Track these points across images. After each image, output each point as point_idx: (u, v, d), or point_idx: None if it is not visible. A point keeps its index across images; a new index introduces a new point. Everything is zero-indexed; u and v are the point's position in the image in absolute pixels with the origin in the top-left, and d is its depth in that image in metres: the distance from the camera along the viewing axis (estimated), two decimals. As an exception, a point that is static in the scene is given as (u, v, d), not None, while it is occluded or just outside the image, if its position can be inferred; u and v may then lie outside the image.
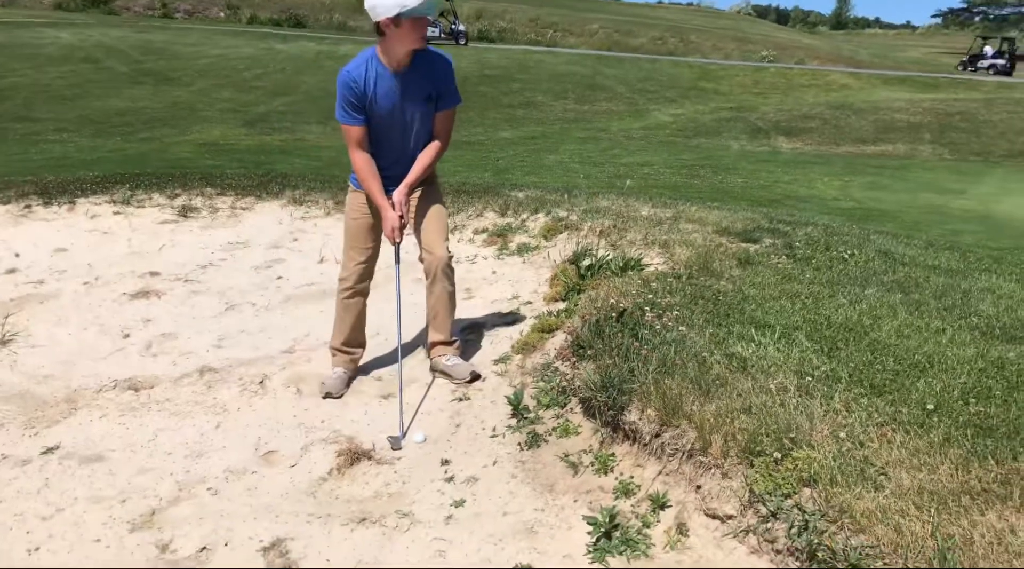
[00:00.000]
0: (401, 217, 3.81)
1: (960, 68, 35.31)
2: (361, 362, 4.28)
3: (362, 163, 3.75)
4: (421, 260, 4.06)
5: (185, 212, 7.08)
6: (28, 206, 7.07)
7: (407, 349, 4.45)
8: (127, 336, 4.89)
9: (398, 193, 3.80)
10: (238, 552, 2.90)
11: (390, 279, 5.41)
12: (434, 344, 4.12)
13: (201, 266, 6.02)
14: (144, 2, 38.51)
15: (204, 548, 2.94)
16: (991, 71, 34.13)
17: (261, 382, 4.19)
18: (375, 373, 4.23)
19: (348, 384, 4.11)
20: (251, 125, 15.98)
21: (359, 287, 4.14)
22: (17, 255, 6.18)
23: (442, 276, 3.98)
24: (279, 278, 5.77)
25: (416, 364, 4.26)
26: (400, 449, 3.48)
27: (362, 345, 4.25)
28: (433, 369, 4.11)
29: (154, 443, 3.69)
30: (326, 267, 5.81)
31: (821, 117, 19.00)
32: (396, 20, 3.46)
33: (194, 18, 37.71)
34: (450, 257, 4.05)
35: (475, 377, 4.00)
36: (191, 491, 3.30)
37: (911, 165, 14.04)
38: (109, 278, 5.79)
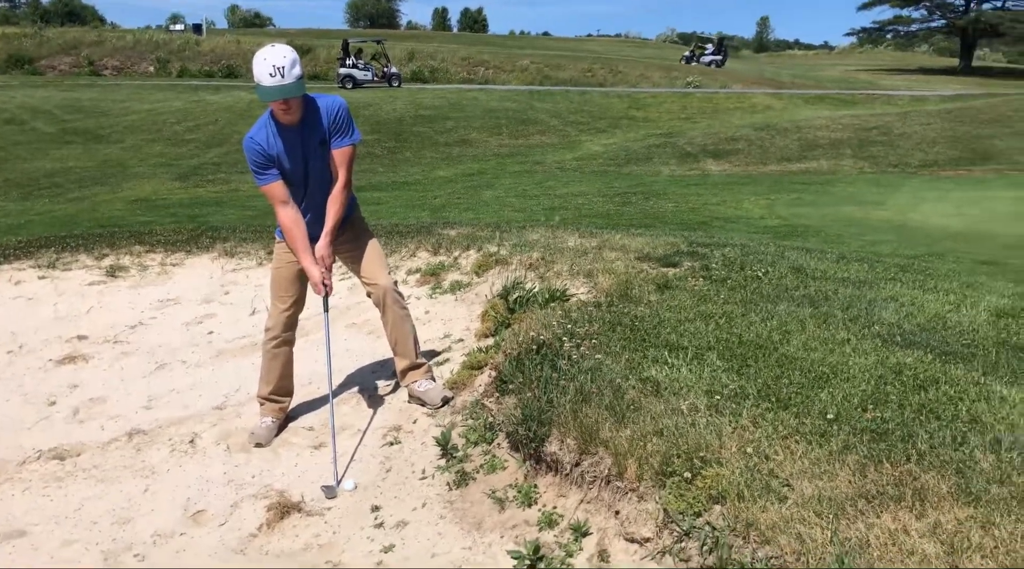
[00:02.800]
0: (325, 273, 3.87)
1: (683, 62, 43.14)
2: (291, 411, 4.28)
3: (288, 221, 3.82)
4: (369, 295, 4.12)
5: (113, 272, 6.99)
6: (-52, 277, 6.91)
7: (339, 395, 4.45)
8: (53, 403, 4.80)
9: (320, 248, 3.87)
10: (165, 617, 2.87)
11: (320, 326, 5.43)
12: (404, 371, 4.18)
13: (130, 326, 5.95)
14: (69, 61, 37.96)
15: (129, 616, 2.90)
16: (712, 65, 42.47)
17: (191, 441, 4.15)
18: (306, 422, 4.23)
19: (277, 433, 4.11)
20: (184, 178, 15.83)
21: (285, 335, 4.16)
22: (-64, 328, 6.03)
23: (392, 303, 4.07)
24: (210, 333, 5.73)
25: (348, 411, 4.27)
26: (335, 497, 3.48)
27: (290, 394, 4.25)
28: (410, 396, 4.18)
29: (79, 513, 3.63)
30: (257, 319, 5.79)
31: (747, 138, 19.56)
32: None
33: (122, 74, 37.29)
34: (395, 282, 4.13)
35: (446, 401, 4.08)
36: (118, 559, 3.25)
37: (834, 180, 14.53)
38: (34, 345, 5.68)
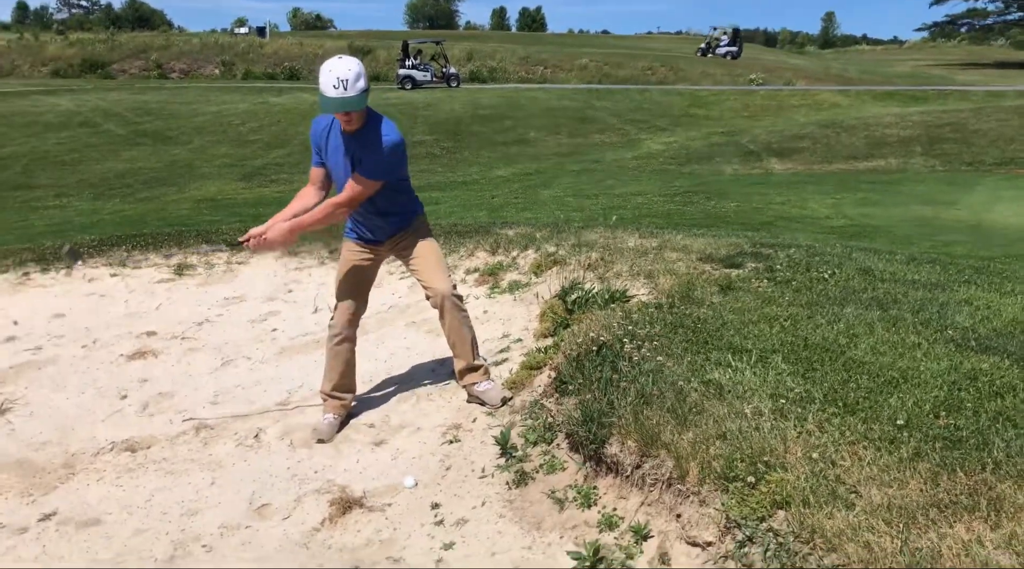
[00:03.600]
0: (261, 237, 3.98)
1: (699, 54, 43.04)
2: (353, 409, 4.34)
3: (301, 190, 4.04)
4: (428, 298, 4.19)
5: (181, 270, 7.19)
6: (26, 273, 7.19)
7: (398, 394, 4.50)
8: (124, 397, 4.96)
9: (278, 229, 3.96)
10: (231, 607, 2.94)
11: (381, 324, 5.51)
12: (462, 373, 4.23)
13: (197, 323, 6.11)
14: (139, 64, 39.20)
15: (198, 605, 2.97)
16: (727, 56, 42.37)
17: (256, 436, 4.25)
18: (367, 419, 4.28)
19: (339, 429, 4.17)
20: (248, 178, 16.22)
21: (347, 333, 4.23)
22: (15, 323, 6.28)
23: (451, 308, 4.11)
24: (274, 330, 5.85)
25: (408, 408, 4.31)
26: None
27: (352, 391, 4.32)
28: (469, 395, 4.23)
29: (150, 503, 3.74)
30: (320, 317, 5.88)
31: (812, 136, 19.15)
32: None
33: (189, 77, 38.35)
34: (454, 287, 4.18)
35: (505, 401, 4.10)
36: (186, 549, 3.34)
37: (903, 179, 14.12)
38: (106, 340, 5.88)
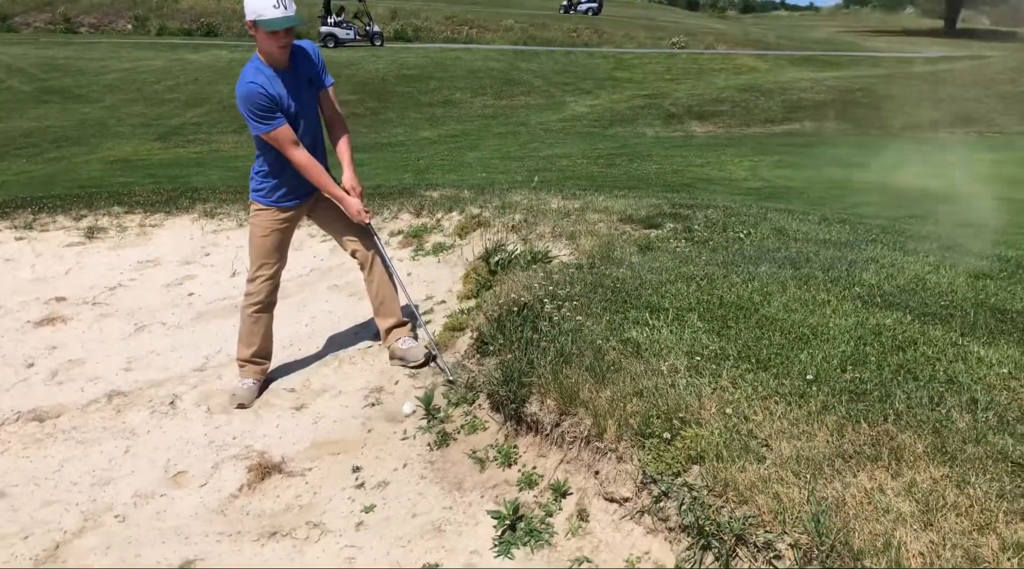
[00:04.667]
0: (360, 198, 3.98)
1: (561, 11, 43.40)
2: (271, 374, 4.26)
3: (305, 160, 3.80)
4: (354, 256, 4.13)
5: (92, 233, 6.89)
6: (-78, 238, 6.80)
7: (320, 358, 4.44)
8: (31, 366, 4.76)
9: (349, 179, 3.95)
10: (146, 577, 2.87)
11: (302, 288, 5.40)
12: (388, 330, 4.18)
13: (110, 288, 5.88)
14: (45, 17, 37.06)
15: (110, 576, 2.90)
16: (588, 12, 42.80)
17: (171, 403, 4.14)
18: (287, 384, 4.21)
19: (258, 394, 4.10)
20: (164, 138, 15.61)
21: (268, 300, 4.14)
22: (-89, 290, 5.94)
23: (377, 261, 4.07)
24: (190, 295, 5.68)
25: (329, 372, 4.26)
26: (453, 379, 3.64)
27: (270, 356, 4.24)
28: (391, 356, 4.17)
29: (59, 474, 3.62)
30: (238, 280, 5.73)
31: (732, 100, 19.46)
32: (254, 25, 3.59)
33: (99, 32, 36.47)
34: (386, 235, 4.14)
35: (428, 359, 4.07)
36: (97, 520, 3.25)
37: (817, 142, 14.52)
38: (12, 307, 5.61)
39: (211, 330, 5.06)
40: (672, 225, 5.23)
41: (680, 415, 2.73)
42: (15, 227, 7.04)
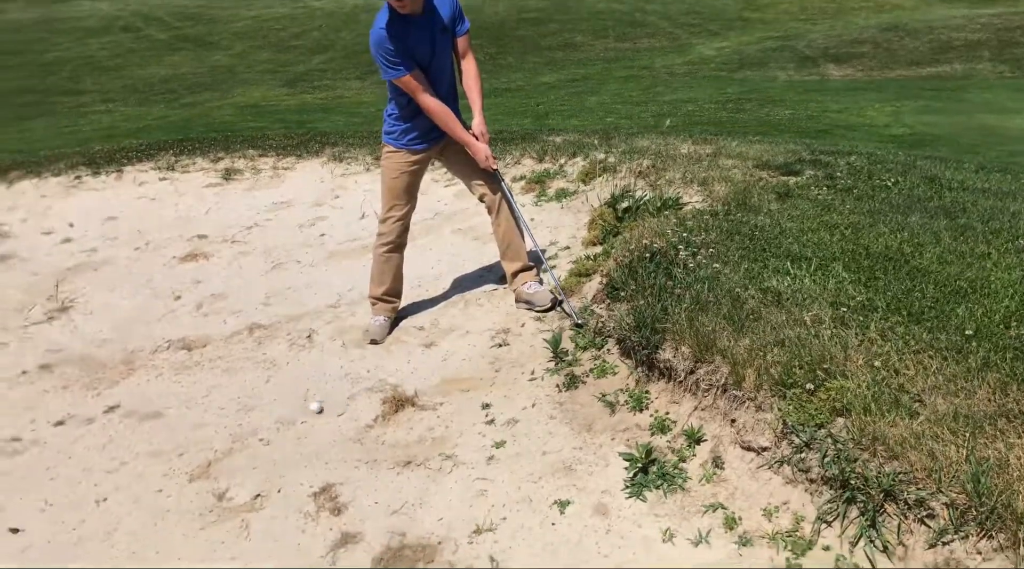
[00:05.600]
0: (488, 144, 3.99)
1: None
2: (401, 312, 4.37)
3: (435, 106, 3.83)
4: (482, 200, 4.13)
5: (229, 175, 7.20)
6: (78, 177, 7.28)
7: (448, 298, 4.51)
8: (178, 298, 5.05)
9: (479, 125, 3.95)
10: (291, 498, 3.03)
11: (428, 231, 5.48)
12: (514, 273, 4.20)
13: (247, 227, 6.15)
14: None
15: (258, 495, 3.07)
16: None
17: (308, 336, 4.31)
18: (416, 322, 4.30)
19: (389, 331, 4.21)
20: (291, 84, 16.05)
21: (398, 241, 4.23)
22: (71, 225, 6.39)
23: (504, 205, 4.07)
24: (322, 235, 5.87)
25: (457, 313, 4.32)
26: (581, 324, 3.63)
27: (400, 295, 4.34)
28: (517, 300, 4.19)
29: (208, 399, 3.85)
30: (367, 223, 5.88)
31: (872, 41, 18.23)
32: None
33: (230, -20, 37.63)
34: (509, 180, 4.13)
35: (554, 303, 4.07)
36: (244, 442, 3.44)
37: (968, 86, 13.45)
38: (159, 243, 5.96)
39: (343, 269, 5.22)
40: (812, 172, 4.98)
41: (824, 366, 2.62)
42: (159, 168, 7.45)
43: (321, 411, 3.63)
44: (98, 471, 3.36)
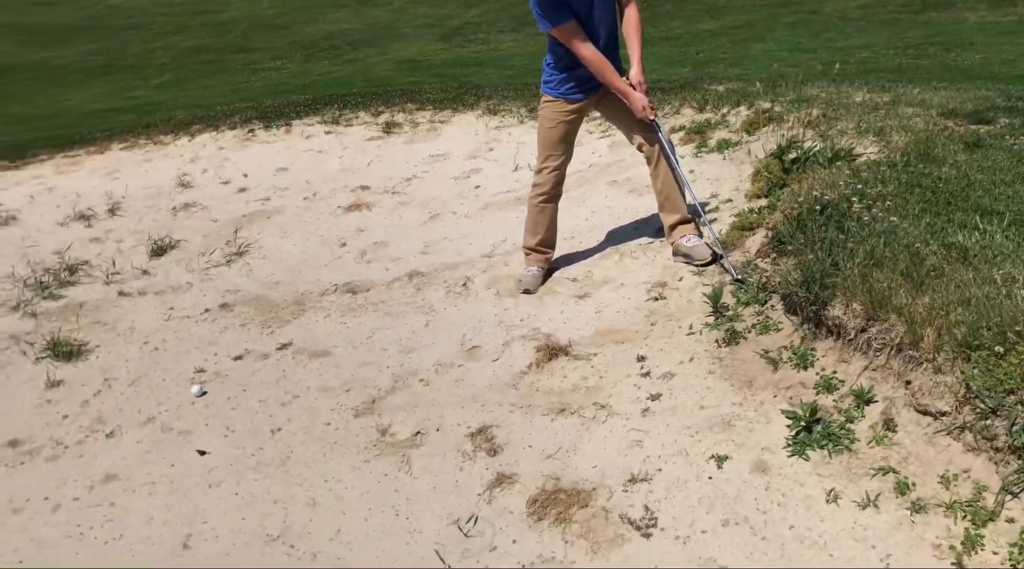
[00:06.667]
0: (646, 94, 3.89)
1: None
2: (554, 263, 4.38)
3: (592, 55, 3.77)
4: (640, 150, 4.05)
5: (389, 128, 7.43)
6: (252, 130, 7.74)
7: (601, 251, 4.48)
8: (344, 245, 5.29)
9: (636, 75, 3.86)
10: (449, 436, 3.14)
11: (581, 183, 5.45)
12: (672, 226, 4.11)
13: (406, 179, 6.34)
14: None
15: (419, 432, 3.20)
16: None
17: (464, 284, 4.41)
18: (569, 274, 4.30)
19: (543, 282, 4.24)
20: (446, 39, 16.28)
21: (554, 192, 4.22)
22: (245, 175, 6.81)
23: (663, 156, 3.97)
24: (477, 187, 5.96)
25: (611, 265, 4.28)
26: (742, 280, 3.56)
27: (553, 246, 4.35)
28: (675, 253, 4.11)
29: (371, 340, 4.03)
30: (520, 174, 5.91)
31: (1081, -25, 16.28)
32: None
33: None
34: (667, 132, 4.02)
35: (714, 258, 3.96)
36: (405, 382, 3.58)
37: None
38: (325, 193, 6.25)
39: (496, 220, 5.28)
40: (1007, 120, 4.54)
41: (1016, 328, 2.40)
42: (324, 122, 7.79)
43: (203, 394, 3.78)
44: (273, 403, 3.61)
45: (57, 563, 2.81)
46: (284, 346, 4.09)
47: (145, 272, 5.12)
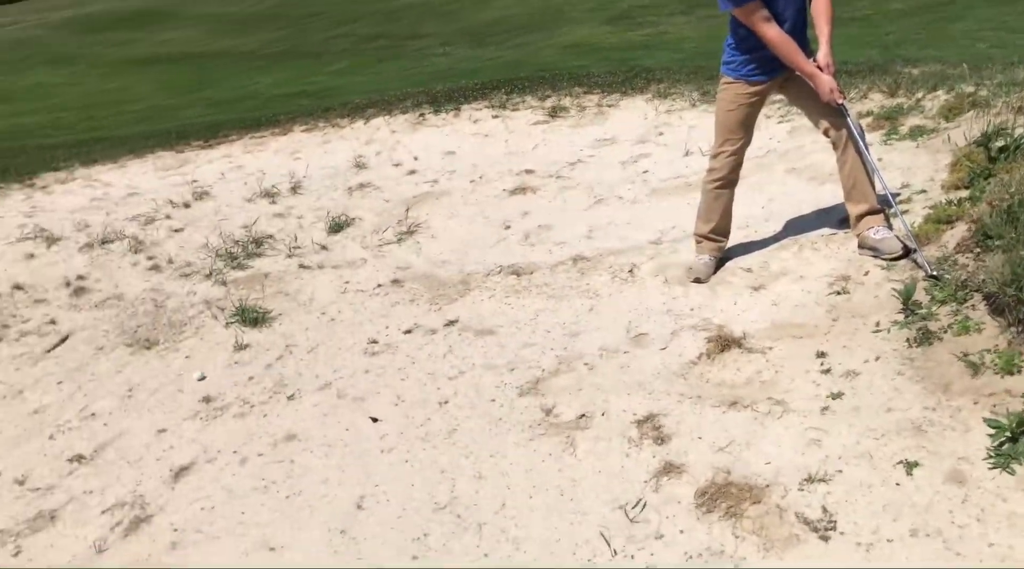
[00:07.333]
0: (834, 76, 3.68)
1: None
2: (727, 252, 4.22)
3: (778, 36, 3.60)
4: (826, 135, 3.83)
5: (555, 112, 7.44)
6: (422, 115, 7.97)
7: (779, 241, 4.27)
8: (508, 228, 5.35)
9: (824, 56, 3.66)
10: (614, 422, 3.10)
11: (758, 169, 5.22)
12: (859, 216, 3.86)
13: (570, 163, 6.32)
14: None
15: (583, 415, 3.18)
16: None
17: (630, 271, 4.33)
18: (743, 264, 4.13)
19: (714, 271, 4.09)
20: (613, 23, 16.07)
21: (730, 177, 4.07)
22: (416, 158, 7.03)
23: (851, 142, 3.74)
24: (645, 172, 5.85)
25: (789, 256, 4.07)
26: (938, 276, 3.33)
27: (727, 234, 4.19)
28: (860, 245, 3.86)
29: (535, 321, 4.04)
30: (691, 160, 5.75)
31: None
32: None
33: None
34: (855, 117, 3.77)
35: (905, 252, 3.68)
36: (570, 365, 3.57)
37: None
38: (491, 176, 6.34)
39: (665, 206, 5.17)
40: None
41: None
42: (492, 106, 7.90)
43: (203, 378, 4.03)
44: (440, 377, 3.70)
45: (244, 511, 3.00)
46: (451, 323, 4.18)
47: (323, 247, 5.38)
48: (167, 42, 22.53)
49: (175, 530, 2.98)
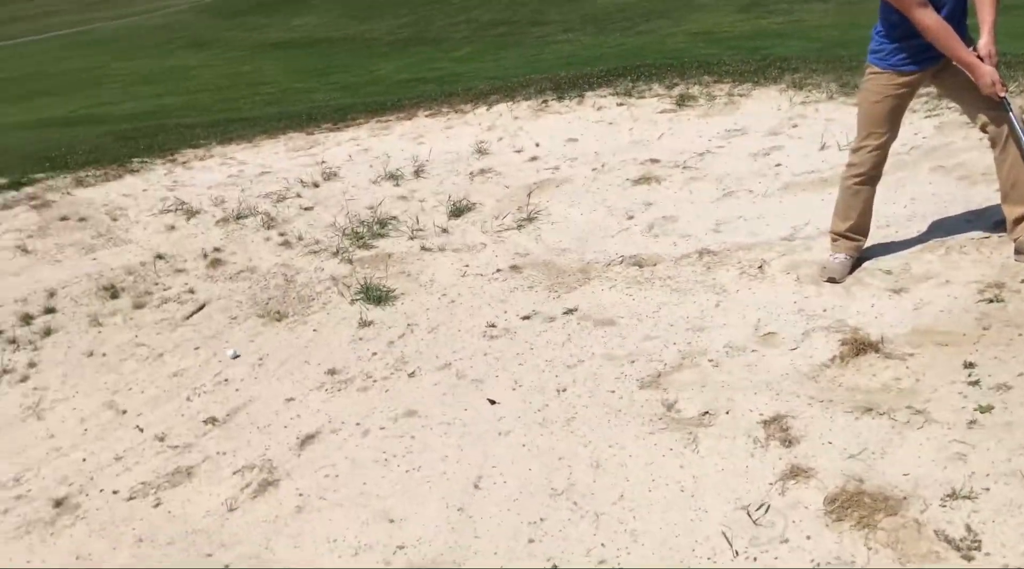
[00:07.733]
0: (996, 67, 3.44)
1: None
2: (865, 252, 4.01)
3: (933, 23, 3.37)
4: (984, 130, 3.58)
5: (682, 101, 7.27)
6: (545, 101, 7.94)
7: (923, 242, 4.03)
8: (631, 217, 5.26)
9: (986, 45, 3.44)
10: (739, 421, 3.00)
11: (900, 166, 4.95)
12: (1017, 220, 3.61)
13: (698, 153, 6.16)
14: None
15: (706, 412, 3.10)
16: None
17: (759, 267, 4.19)
18: (882, 265, 3.92)
19: (850, 271, 3.90)
20: (745, 10, 15.58)
21: (872, 173, 3.86)
22: (537, 145, 7.02)
23: (1011, 138, 3.48)
24: (777, 165, 5.64)
25: (935, 259, 3.83)
26: None
27: (866, 233, 3.98)
28: (1018, 251, 3.62)
29: (657, 315, 3.96)
30: (828, 154, 5.50)
31: None
32: None
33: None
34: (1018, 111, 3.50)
35: None
36: (693, 360, 3.48)
37: None
38: (614, 165, 6.26)
39: (798, 201, 4.96)
40: None
41: None
42: (616, 94, 7.79)
43: (236, 356, 4.20)
44: (559, 364, 3.68)
45: (366, 481, 3.08)
46: (570, 311, 4.15)
47: (444, 230, 5.46)
48: (297, 27, 23.41)
49: (300, 495, 3.09)
